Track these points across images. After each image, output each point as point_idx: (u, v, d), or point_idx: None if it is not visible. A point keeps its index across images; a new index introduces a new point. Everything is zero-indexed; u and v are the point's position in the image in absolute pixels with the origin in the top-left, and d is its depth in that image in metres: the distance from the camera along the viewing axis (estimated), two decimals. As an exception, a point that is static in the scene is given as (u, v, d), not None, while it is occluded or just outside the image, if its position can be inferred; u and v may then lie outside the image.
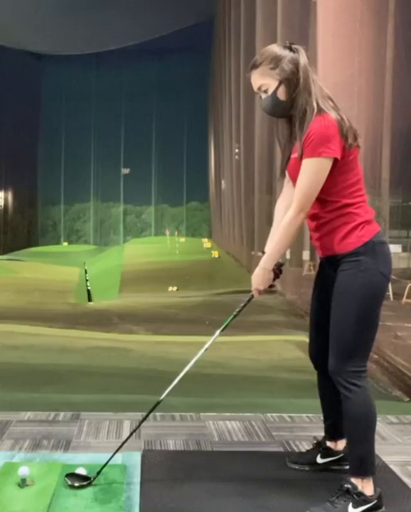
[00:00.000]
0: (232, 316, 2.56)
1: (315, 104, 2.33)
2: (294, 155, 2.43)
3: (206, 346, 2.58)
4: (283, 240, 2.41)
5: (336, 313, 2.39)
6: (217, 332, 2.56)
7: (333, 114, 2.33)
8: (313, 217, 2.46)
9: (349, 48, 7.57)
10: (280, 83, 2.36)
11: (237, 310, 2.55)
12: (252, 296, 2.52)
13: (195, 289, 13.94)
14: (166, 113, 38.60)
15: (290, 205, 2.39)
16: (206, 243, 26.19)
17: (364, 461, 2.36)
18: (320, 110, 2.33)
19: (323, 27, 8.00)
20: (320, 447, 2.72)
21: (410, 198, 11.45)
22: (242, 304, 2.55)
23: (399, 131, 7.59)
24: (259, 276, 2.46)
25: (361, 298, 2.34)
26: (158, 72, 38.35)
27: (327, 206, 2.40)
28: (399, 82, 7.70)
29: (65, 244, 39.63)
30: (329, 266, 2.48)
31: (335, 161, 2.32)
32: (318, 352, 2.58)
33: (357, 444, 2.38)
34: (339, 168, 2.35)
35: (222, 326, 2.57)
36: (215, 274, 16.25)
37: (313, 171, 2.32)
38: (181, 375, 2.56)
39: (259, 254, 2.61)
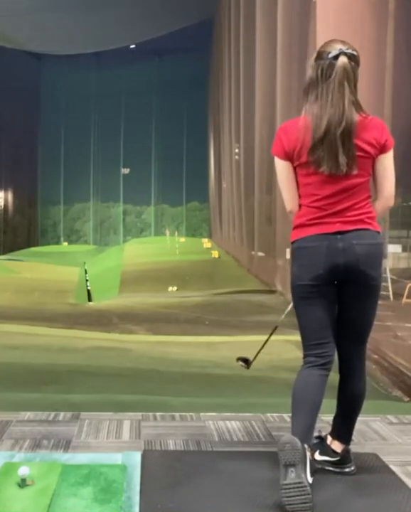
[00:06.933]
0: None
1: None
2: None
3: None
4: None
5: None
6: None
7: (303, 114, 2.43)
8: None
9: (349, 48, 7.55)
10: None
11: None
12: None
13: (195, 289, 13.94)
14: (166, 113, 38.59)
15: None
16: (206, 243, 26.18)
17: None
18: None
19: (323, 27, 7.98)
20: (321, 441, 2.72)
21: (410, 198, 11.46)
22: None
23: (400, 131, 7.58)
24: None
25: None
26: (158, 72, 38.36)
27: None
28: (399, 82, 7.68)
29: (65, 244, 39.66)
30: None
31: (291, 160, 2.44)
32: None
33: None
34: (296, 169, 2.46)
35: None
36: (215, 274, 16.25)
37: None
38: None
39: None
